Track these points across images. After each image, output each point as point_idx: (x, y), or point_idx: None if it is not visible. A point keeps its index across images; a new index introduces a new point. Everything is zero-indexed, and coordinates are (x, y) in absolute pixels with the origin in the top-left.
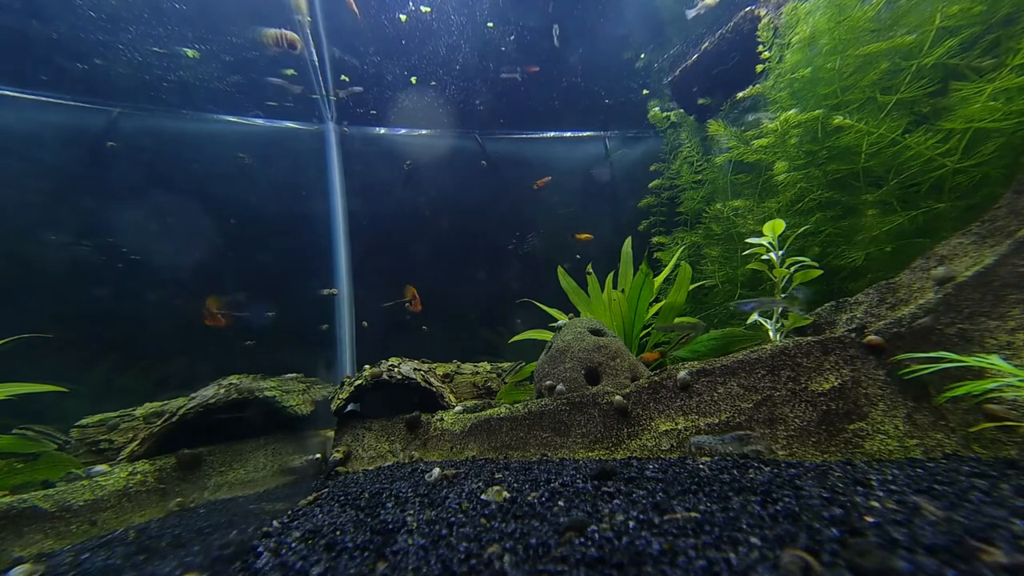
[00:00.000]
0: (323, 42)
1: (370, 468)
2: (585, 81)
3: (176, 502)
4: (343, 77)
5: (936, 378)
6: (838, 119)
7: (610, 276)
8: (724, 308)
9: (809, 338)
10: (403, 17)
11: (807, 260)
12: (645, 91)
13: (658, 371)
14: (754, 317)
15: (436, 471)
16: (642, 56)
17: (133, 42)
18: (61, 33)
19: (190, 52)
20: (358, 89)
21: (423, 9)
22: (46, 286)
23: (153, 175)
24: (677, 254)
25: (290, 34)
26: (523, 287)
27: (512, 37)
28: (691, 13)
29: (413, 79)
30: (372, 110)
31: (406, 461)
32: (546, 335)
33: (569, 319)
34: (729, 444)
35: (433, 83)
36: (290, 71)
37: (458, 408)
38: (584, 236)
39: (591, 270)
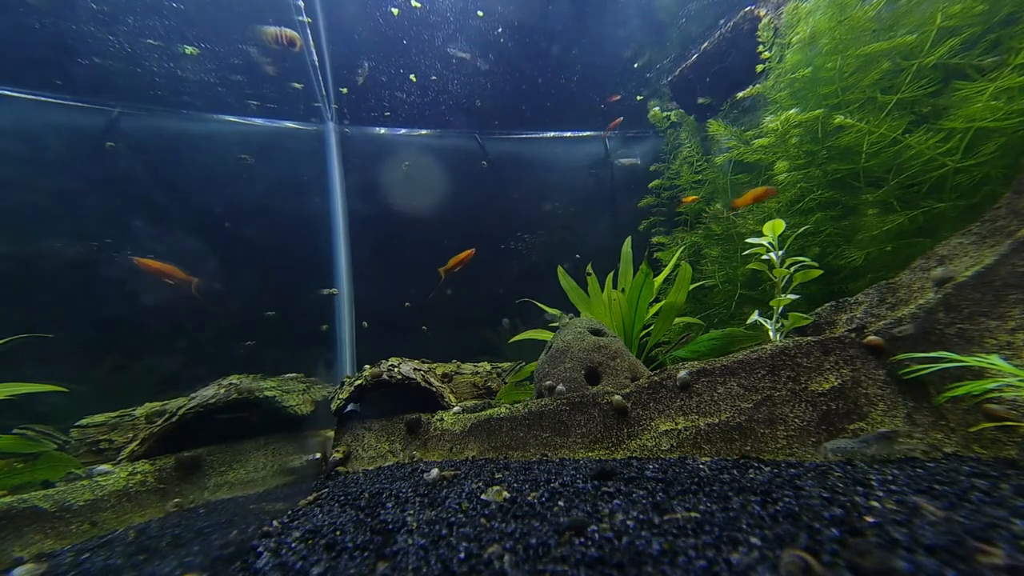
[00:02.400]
0: (323, 42)
1: (370, 468)
2: (585, 81)
3: (176, 502)
4: (343, 89)
5: (936, 378)
6: (839, 119)
7: (610, 276)
8: (724, 308)
9: (809, 338)
10: (395, 11)
11: (807, 260)
12: (639, 96)
13: (658, 371)
14: (754, 317)
15: (436, 471)
16: (636, 65)
17: (131, 39)
18: (59, 29)
19: (189, 49)
20: (364, 70)
21: (414, 4)
22: (46, 286)
23: (153, 175)
24: (677, 254)
25: (289, 32)
26: (523, 287)
27: (499, 28)
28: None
29: (412, 76)
30: (386, 112)
31: (406, 461)
32: (546, 335)
33: (569, 319)
34: (873, 446)
35: (434, 77)
36: (298, 84)
37: (457, 408)
38: (690, 198)
39: (591, 270)
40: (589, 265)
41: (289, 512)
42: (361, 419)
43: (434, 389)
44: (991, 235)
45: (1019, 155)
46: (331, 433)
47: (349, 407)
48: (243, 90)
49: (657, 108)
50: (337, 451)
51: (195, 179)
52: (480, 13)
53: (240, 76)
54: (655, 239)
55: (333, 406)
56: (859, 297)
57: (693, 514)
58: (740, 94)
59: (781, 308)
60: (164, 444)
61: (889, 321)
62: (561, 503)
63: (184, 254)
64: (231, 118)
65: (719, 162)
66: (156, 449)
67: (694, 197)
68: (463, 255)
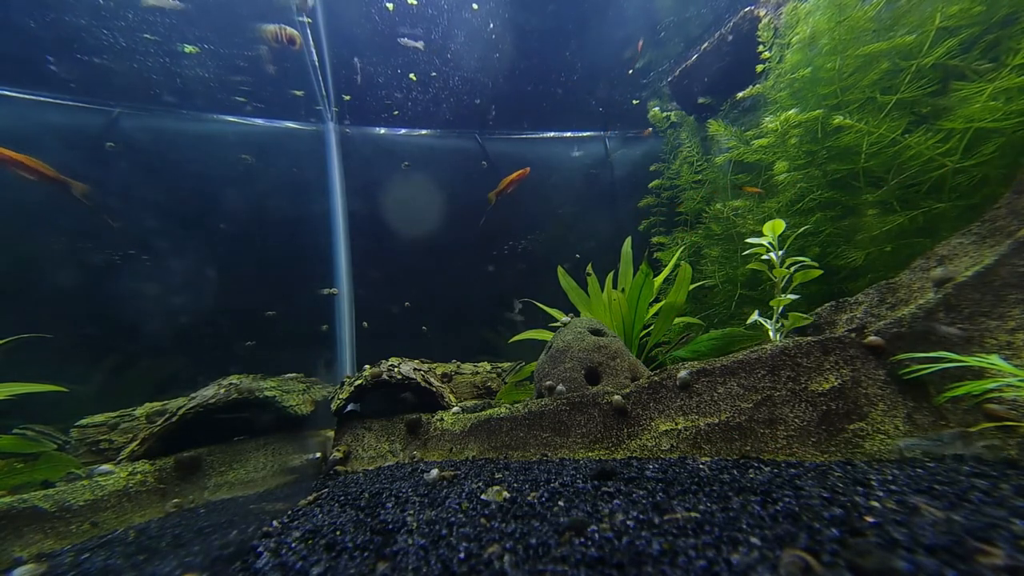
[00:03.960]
0: (323, 42)
1: (370, 468)
2: (585, 81)
3: (176, 502)
4: (345, 96)
5: (936, 378)
6: (838, 119)
7: (610, 276)
8: (724, 308)
9: (809, 338)
10: (390, 6)
11: (807, 260)
12: (635, 101)
13: (658, 371)
14: (754, 317)
15: (436, 471)
16: (630, 72)
17: (129, 36)
18: (58, 26)
19: (188, 48)
20: (358, 66)
21: (409, 1)
22: (47, 286)
23: (153, 175)
24: (677, 254)
25: (289, 30)
26: (523, 287)
27: (491, 25)
28: None
29: (412, 76)
30: (394, 111)
31: (406, 461)
32: (546, 335)
33: (569, 319)
34: (950, 445)
35: (433, 74)
36: (299, 92)
37: (457, 408)
38: (752, 189)
39: (591, 270)
40: (589, 265)
41: (289, 512)
42: (361, 419)
43: (434, 389)
44: (991, 235)
45: (1019, 155)
46: (331, 433)
47: (349, 407)
48: (243, 90)
49: (657, 108)
50: (337, 451)
51: (195, 179)
52: (475, 6)
53: (240, 76)
54: (655, 239)
55: (333, 406)
56: (859, 297)
57: (693, 514)
58: (740, 94)
59: (781, 308)
60: (164, 444)
61: (889, 321)
62: (561, 503)
63: (184, 254)
64: (231, 118)
65: (719, 162)
66: (156, 449)
67: (758, 189)
68: (517, 174)
